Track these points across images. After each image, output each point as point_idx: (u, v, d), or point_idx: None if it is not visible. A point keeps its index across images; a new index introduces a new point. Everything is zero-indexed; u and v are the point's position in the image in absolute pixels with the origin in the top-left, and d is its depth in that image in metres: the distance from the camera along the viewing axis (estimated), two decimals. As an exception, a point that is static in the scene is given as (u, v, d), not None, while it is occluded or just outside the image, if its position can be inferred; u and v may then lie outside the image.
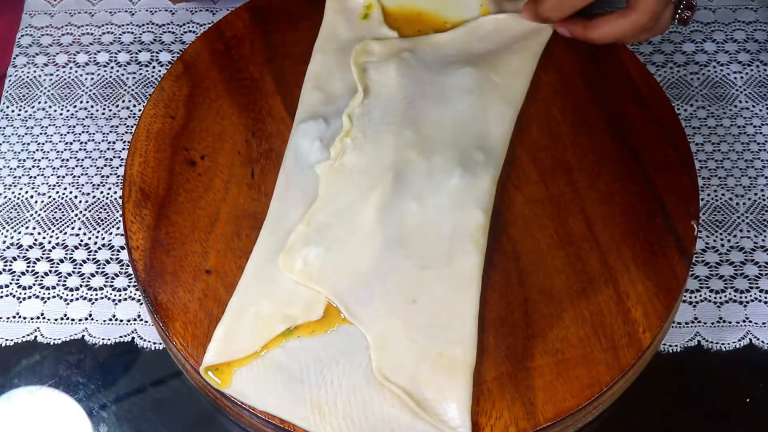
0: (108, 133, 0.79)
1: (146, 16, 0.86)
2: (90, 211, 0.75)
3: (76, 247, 0.73)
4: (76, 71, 0.83)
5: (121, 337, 0.69)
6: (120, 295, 0.71)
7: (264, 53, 0.75)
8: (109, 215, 0.75)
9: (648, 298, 0.62)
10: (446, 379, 0.59)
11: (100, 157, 0.78)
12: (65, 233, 0.74)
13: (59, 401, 0.57)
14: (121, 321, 0.70)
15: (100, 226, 0.74)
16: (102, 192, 0.76)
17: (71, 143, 0.78)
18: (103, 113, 0.80)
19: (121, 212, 0.75)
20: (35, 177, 0.77)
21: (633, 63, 0.74)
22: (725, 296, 0.70)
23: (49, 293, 0.71)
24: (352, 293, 0.62)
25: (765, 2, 0.85)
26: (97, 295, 0.71)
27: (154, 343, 0.68)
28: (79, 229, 0.74)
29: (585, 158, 0.69)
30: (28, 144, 0.78)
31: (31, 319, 0.70)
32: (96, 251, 0.73)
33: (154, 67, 0.83)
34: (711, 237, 0.73)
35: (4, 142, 0.79)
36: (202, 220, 0.66)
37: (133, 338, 0.69)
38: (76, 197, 0.76)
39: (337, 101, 0.71)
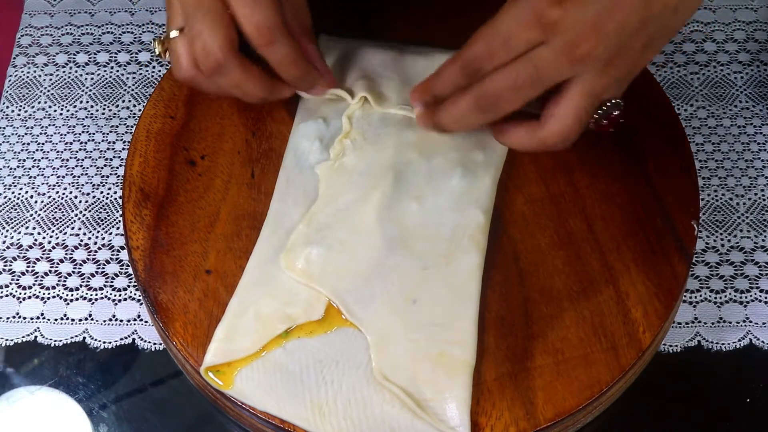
0: (108, 133, 0.79)
1: (146, 16, 0.86)
2: (90, 211, 0.75)
3: (76, 247, 0.73)
4: (76, 71, 0.83)
5: (121, 337, 0.69)
6: (120, 295, 0.71)
7: (264, 53, 0.75)
8: (109, 215, 0.75)
9: (648, 298, 0.62)
10: (446, 378, 0.59)
11: (100, 157, 0.78)
12: (65, 233, 0.74)
13: (59, 401, 0.57)
14: (121, 321, 0.70)
15: (100, 226, 0.74)
16: (102, 192, 0.76)
17: (71, 143, 0.78)
18: (103, 113, 0.80)
19: (121, 212, 0.75)
20: (35, 177, 0.77)
21: (633, 63, 0.74)
22: (725, 296, 0.70)
23: (49, 293, 0.71)
24: (352, 293, 0.62)
25: (765, 2, 0.85)
26: (97, 295, 0.71)
27: (154, 344, 0.68)
28: (79, 229, 0.74)
29: (585, 158, 0.69)
30: (28, 144, 0.78)
31: (31, 319, 0.70)
32: (96, 251, 0.73)
33: (154, 67, 0.83)
34: (711, 237, 0.73)
35: (4, 142, 0.79)
36: (202, 220, 0.66)
37: (133, 338, 0.69)
38: (76, 197, 0.76)
39: (337, 101, 0.71)
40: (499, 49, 0.56)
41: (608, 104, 0.58)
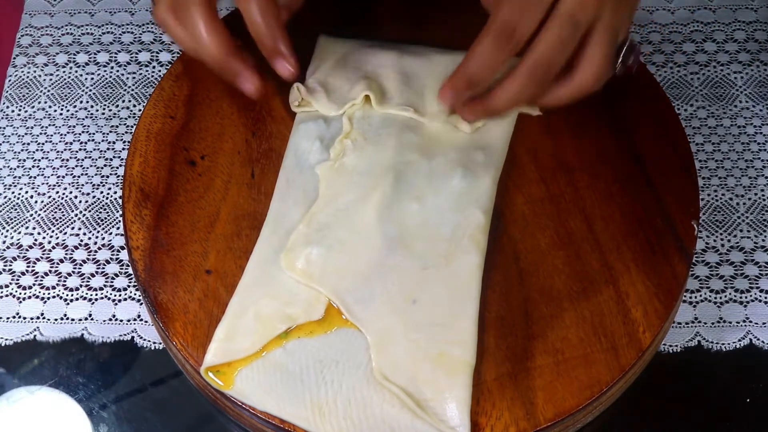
0: (108, 133, 0.79)
1: (146, 16, 0.86)
2: (90, 211, 0.75)
3: (76, 247, 0.73)
4: (76, 71, 0.83)
5: (121, 336, 0.69)
6: (120, 295, 0.71)
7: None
8: (109, 215, 0.75)
9: (648, 298, 0.62)
10: (446, 378, 0.59)
11: (100, 157, 0.78)
12: (65, 233, 0.74)
13: (59, 401, 0.57)
14: (121, 321, 0.70)
15: (100, 226, 0.74)
16: (102, 192, 0.76)
17: (71, 143, 0.78)
18: (103, 113, 0.80)
19: (121, 212, 0.75)
20: (35, 177, 0.77)
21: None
22: (725, 296, 0.70)
23: (49, 293, 0.71)
24: (352, 293, 0.62)
25: (765, 2, 0.85)
26: (97, 295, 0.71)
27: (154, 343, 0.68)
28: (79, 229, 0.74)
29: (585, 158, 0.69)
30: (28, 144, 0.78)
31: (31, 319, 0.70)
32: (96, 251, 0.73)
33: (154, 67, 0.83)
34: (711, 237, 0.73)
35: (4, 142, 0.79)
36: (202, 220, 0.66)
37: (133, 338, 0.69)
38: (76, 197, 0.76)
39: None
40: (530, 6, 0.57)
41: (626, 45, 0.61)
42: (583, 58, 0.59)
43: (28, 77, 0.82)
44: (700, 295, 0.70)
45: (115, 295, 0.71)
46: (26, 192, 0.76)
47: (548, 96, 0.62)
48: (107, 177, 0.77)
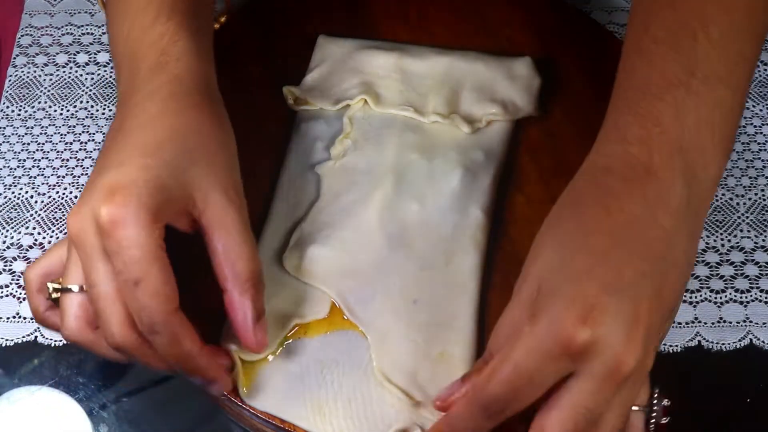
0: (108, 133, 0.79)
1: (146, 16, 0.86)
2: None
3: (76, 247, 0.73)
4: (76, 71, 0.83)
5: (121, 337, 0.69)
6: (120, 295, 0.71)
7: (264, 53, 0.75)
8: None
9: (648, 298, 0.62)
10: (446, 378, 0.59)
11: (100, 157, 0.78)
12: (65, 233, 0.74)
13: (59, 401, 0.57)
14: (121, 321, 0.70)
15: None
16: (102, 192, 0.76)
17: (71, 143, 0.78)
18: (103, 113, 0.80)
19: (121, 212, 0.75)
20: (35, 177, 0.77)
21: (633, 63, 0.74)
22: (725, 296, 0.70)
23: (49, 293, 0.71)
24: (353, 292, 0.62)
25: (765, 2, 0.85)
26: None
27: (154, 343, 0.68)
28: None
29: (585, 158, 0.69)
30: (28, 144, 0.78)
31: (32, 319, 0.70)
32: (96, 251, 0.73)
33: (154, 67, 0.83)
34: (711, 237, 0.73)
35: (4, 142, 0.79)
36: (202, 220, 0.66)
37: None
38: (76, 197, 0.76)
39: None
40: (526, 389, 0.48)
41: (655, 400, 0.54)
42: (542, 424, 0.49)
43: (28, 77, 0.82)
44: (700, 295, 0.70)
45: (115, 295, 0.71)
46: (26, 192, 0.76)
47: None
48: (107, 177, 0.77)
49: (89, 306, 0.54)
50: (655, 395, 0.54)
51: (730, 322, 0.69)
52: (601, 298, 0.48)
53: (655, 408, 0.53)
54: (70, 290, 0.55)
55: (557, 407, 0.48)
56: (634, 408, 0.53)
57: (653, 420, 0.54)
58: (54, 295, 0.57)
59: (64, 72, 0.82)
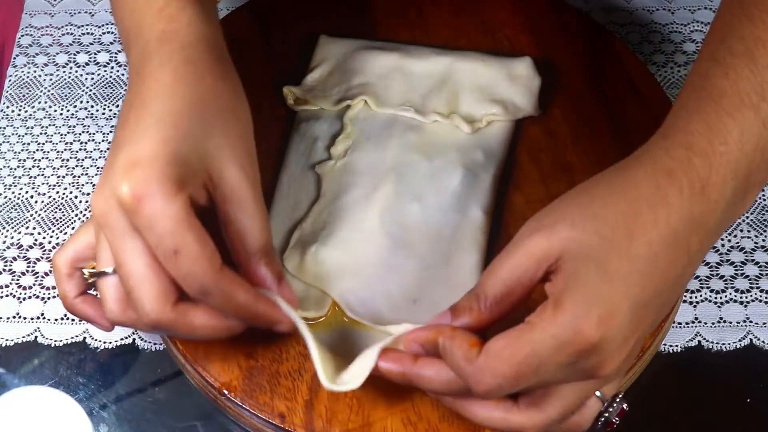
0: (108, 133, 0.79)
1: (146, 16, 0.85)
2: (90, 211, 0.75)
3: (77, 247, 0.73)
4: (76, 71, 0.83)
5: (121, 338, 0.69)
6: (120, 295, 0.71)
7: (264, 53, 0.75)
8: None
9: (648, 298, 0.62)
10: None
11: (100, 157, 0.78)
12: (65, 233, 0.74)
13: (59, 401, 0.57)
14: (122, 321, 0.70)
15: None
16: (102, 192, 0.76)
17: (71, 143, 0.78)
18: (103, 113, 0.80)
19: (121, 212, 0.75)
20: (35, 177, 0.77)
21: (633, 63, 0.74)
22: (726, 296, 0.70)
23: (49, 293, 0.71)
24: (354, 292, 0.63)
25: (765, 2, 0.85)
26: (97, 295, 0.71)
27: (154, 344, 0.68)
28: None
29: (585, 158, 0.69)
30: (28, 144, 0.78)
31: (32, 319, 0.70)
32: (96, 251, 0.73)
33: (154, 67, 0.82)
34: (711, 237, 0.73)
35: (4, 142, 0.79)
36: (202, 220, 0.66)
37: (133, 338, 0.69)
38: (76, 197, 0.76)
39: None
40: (529, 375, 0.49)
41: (617, 400, 0.55)
42: (554, 391, 0.52)
43: (28, 77, 0.82)
44: (700, 295, 0.70)
45: (115, 295, 0.71)
46: (26, 192, 0.76)
47: (479, 414, 0.53)
48: (107, 177, 0.77)
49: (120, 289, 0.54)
50: (619, 397, 0.55)
51: (730, 322, 0.69)
52: (622, 306, 0.49)
53: (614, 405, 0.55)
54: (104, 273, 0.54)
55: (515, 342, 0.49)
56: (597, 394, 0.54)
57: (606, 414, 0.55)
58: (90, 280, 0.57)
59: (64, 72, 0.82)
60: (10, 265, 0.72)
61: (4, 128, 0.79)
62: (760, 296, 0.70)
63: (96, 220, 0.53)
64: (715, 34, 0.56)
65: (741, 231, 0.73)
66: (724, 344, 0.68)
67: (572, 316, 0.48)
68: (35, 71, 0.83)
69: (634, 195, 0.51)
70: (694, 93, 0.54)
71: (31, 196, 0.76)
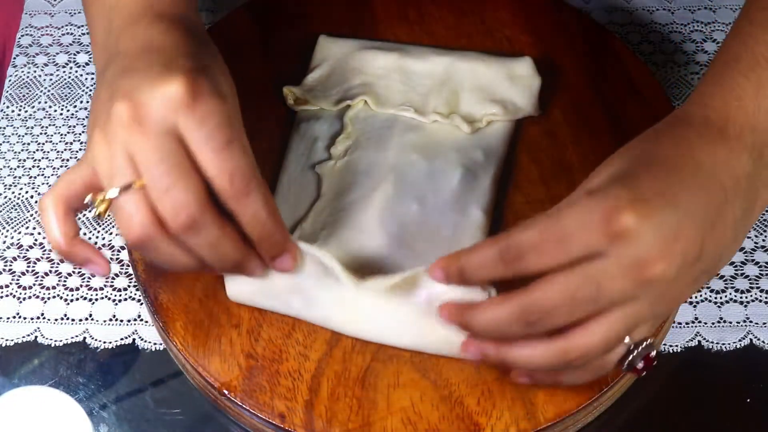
0: (108, 133, 0.79)
1: (146, 16, 0.85)
2: (90, 211, 0.75)
3: (77, 247, 0.73)
4: (76, 71, 0.83)
5: (121, 338, 0.69)
6: (120, 295, 0.71)
7: (264, 52, 0.75)
8: (109, 215, 0.75)
9: (648, 298, 0.62)
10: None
11: (100, 157, 0.78)
12: (65, 233, 0.74)
13: (59, 401, 0.57)
14: (122, 321, 0.70)
15: (100, 226, 0.74)
16: (102, 192, 0.76)
17: (71, 143, 0.78)
18: (103, 113, 0.80)
19: (121, 212, 0.75)
20: (35, 177, 0.77)
21: (633, 63, 0.74)
22: (725, 296, 0.70)
23: (49, 293, 0.71)
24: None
25: (765, 2, 0.85)
26: (97, 295, 0.71)
27: (155, 344, 0.68)
28: (80, 229, 0.74)
29: (585, 158, 0.69)
30: (28, 144, 0.78)
31: (32, 319, 0.70)
32: (96, 251, 0.73)
33: (154, 67, 0.82)
34: (711, 237, 0.73)
35: (4, 142, 0.79)
36: (202, 220, 0.66)
37: (133, 338, 0.69)
38: (76, 197, 0.75)
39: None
40: (552, 245, 0.49)
41: (644, 344, 0.53)
42: (583, 328, 0.50)
43: (28, 77, 0.82)
44: (700, 295, 0.70)
45: (115, 295, 0.71)
46: (26, 192, 0.76)
47: (520, 351, 0.53)
48: (107, 177, 0.77)
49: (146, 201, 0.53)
50: (647, 342, 0.54)
51: (730, 322, 0.69)
52: (655, 200, 0.49)
53: (641, 349, 0.53)
54: (129, 187, 0.53)
55: (570, 271, 0.49)
56: (625, 340, 0.53)
57: (631, 357, 0.54)
58: (100, 208, 0.55)
59: (64, 72, 0.82)
60: (10, 265, 0.72)
61: (4, 128, 0.79)
62: (760, 296, 0.70)
63: (123, 126, 0.52)
64: (742, 12, 0.58)
65: (741, 231, 0.73)
66: (724, 344, 0.68)
67: (602, 196, 0.49)
68: (35, 71, 0.83)
69: (655, 141, 0.54)
70: (712, 66, 0.56)
71: (31, 196, 0.76)
